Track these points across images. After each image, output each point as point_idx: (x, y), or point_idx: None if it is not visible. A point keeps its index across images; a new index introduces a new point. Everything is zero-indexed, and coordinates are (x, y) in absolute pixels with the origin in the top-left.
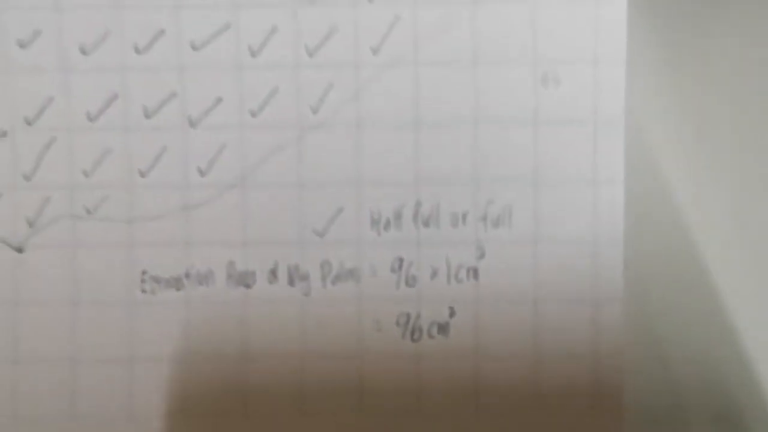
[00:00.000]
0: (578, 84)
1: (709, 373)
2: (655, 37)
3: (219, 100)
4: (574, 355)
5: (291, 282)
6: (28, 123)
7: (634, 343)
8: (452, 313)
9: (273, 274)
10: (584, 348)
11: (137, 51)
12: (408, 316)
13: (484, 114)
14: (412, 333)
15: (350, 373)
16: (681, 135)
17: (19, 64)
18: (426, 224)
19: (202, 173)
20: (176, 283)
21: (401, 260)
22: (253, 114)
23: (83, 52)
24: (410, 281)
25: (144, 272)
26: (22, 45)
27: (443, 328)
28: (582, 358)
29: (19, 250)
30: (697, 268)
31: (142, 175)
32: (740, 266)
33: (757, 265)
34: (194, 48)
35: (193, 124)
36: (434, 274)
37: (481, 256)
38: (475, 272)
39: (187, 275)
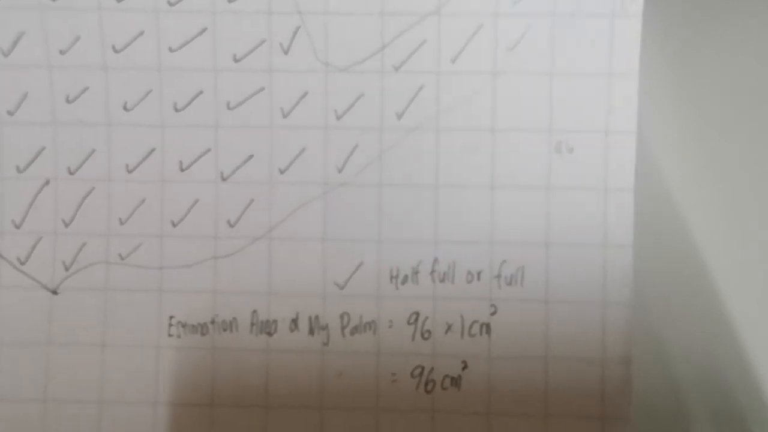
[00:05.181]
0: (590, 152)
1: (709, 373)
2: (665, 109)
3: (250, 156)
4: (583, 414)
5: (311, 331)
6: (71, 173)
7: (636, 345)
8: (465, 367)
9: (294, 323)
10: (592, 407)
11: (176, 109)
12: (422, 368)
13: (500, 178)
14: (426, 384)
15: (366, 422)
16: (694, 182)
17: (65, 118)
18: (442, 281)
19: (231, 225)
20: (202, 329)
21: (417, 314)
22: (282, 171)
23: (125, 108)
24: (425, 335)
25: (172, 317)
26: (69, 100)
27: (456, 381)
28: (590, 416)
29: (54, 291)
30: (697, 271)
31: (174, 225)
32: (740, 270)
33: (757, 268)
34: (229, 108)
35: (224, 178)
36: (448, 328)
37: (494, 312)
38: (487, 328)
39: (213, 322)
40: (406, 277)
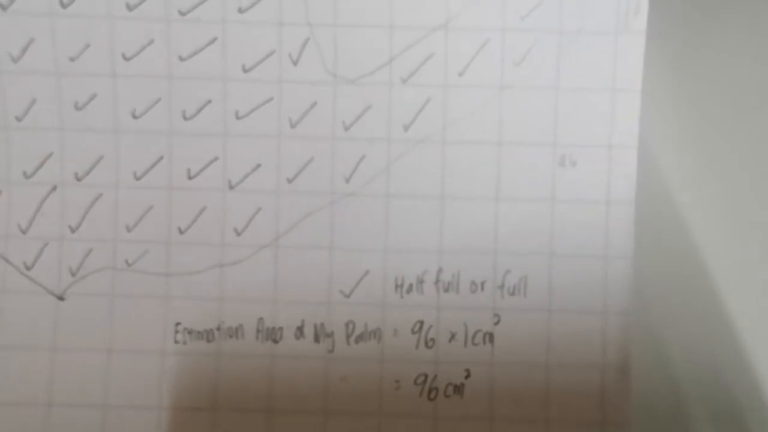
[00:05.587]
0: (593, 166)
1: (709, 373)
2: (665, 110)
3: (258, 165)
4: (583, 421)
5: (316, 339)
6: (78, 179)
7: (636, 346)
8: (468, 375)
9: (300, 330)
10: (592, 413)
11: (185, 118)
12: (426, 376)
13: (504, 191)
14: (429, 392)
15: (370, 428)
16: (695, 183)
17: (74, 124)
18: (446, 290)
19: (237, 233)
20: (208, 335)
21: (421, 323)
22: (289, 180)
23: (134, 116)
24: (429, 343)
25: (178, 324)
26: (77, 107)
27: (459, 389)
28: (590, 422)
29: (60, 297)
30: (697, 271)
31: (181, 232)
32: (740, 270)
33: (757, 268)
34: (238, 117)
35: (232, 187)
36: (452, 337)
37: (497, 322)
38: (490, 337)
39: (219, 328)
40: (411, 286)
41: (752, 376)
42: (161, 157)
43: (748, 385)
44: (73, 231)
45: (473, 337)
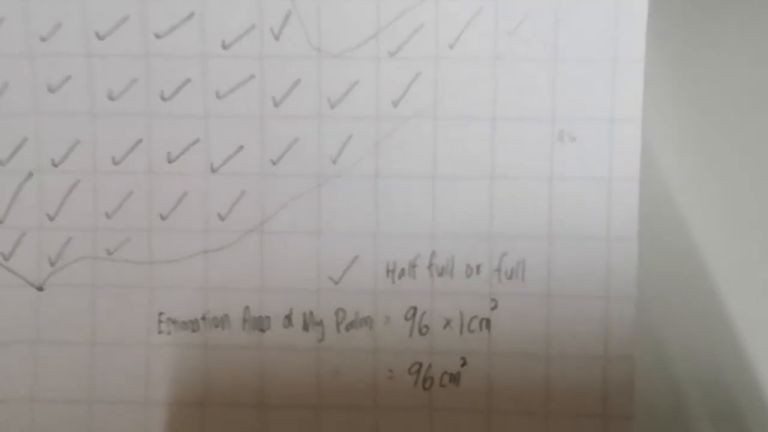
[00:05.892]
0: (594, 141)
1: (709, 373)
2: (665, 109)
3: (241, 147)
4: (585, 412)
5: (305, 327)
6: (54, 165)
7: (636, 344)
8: (464, 363)
9: (288, 319)
10: (595, 404)
11: (163, 98)
12: (420, 364)
13: (500, 169)
14: (424, 381)
15: (363, 419)
16: (694, 182)
17: (48, 108)
18: (440, 274)
19: (221, 218)
20: (192, 325)
21: (415, 309)
22: (274, 162)
23: (111, 98)
24: (423, 330)
25: (161, 314)
26: (51, 90)
27: (455, 378)
28: (592, 414)
29: (40, 288)
30: (697, 271)
31: (163, 218)
32: (740, 270)
33: (757, 268)
34: (218, 97)
35: (214, 170)
36: (447, 323)
37: (494, 307)
38: (487, 323)
39: (204, 318)
40: (403, 271)
41: (752, 376)
42: (140, 140)
43: (748, 385)
44: (51, 219)
45: (469, 324)
